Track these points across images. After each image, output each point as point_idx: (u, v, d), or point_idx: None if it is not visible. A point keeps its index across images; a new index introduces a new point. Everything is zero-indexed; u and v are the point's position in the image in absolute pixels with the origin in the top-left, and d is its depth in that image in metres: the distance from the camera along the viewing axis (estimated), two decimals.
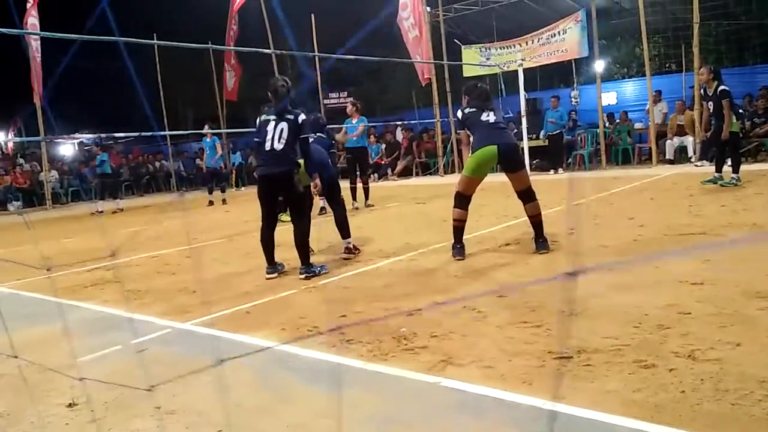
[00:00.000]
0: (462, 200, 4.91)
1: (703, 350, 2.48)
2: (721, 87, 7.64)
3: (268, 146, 4.52)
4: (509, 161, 4.73)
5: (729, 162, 7.87)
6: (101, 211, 12.63)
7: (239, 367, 2.77)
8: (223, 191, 12.90)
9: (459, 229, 4.89)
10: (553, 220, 6.33)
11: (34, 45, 14.43)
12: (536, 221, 4.79)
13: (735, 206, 6.09)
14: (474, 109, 4.91)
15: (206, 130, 12.36)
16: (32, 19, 14.40)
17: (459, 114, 5.02)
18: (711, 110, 7.85)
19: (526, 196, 4.78)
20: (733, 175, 7.72)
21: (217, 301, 4.10)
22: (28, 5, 14.33)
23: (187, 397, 2.48)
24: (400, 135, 17.23)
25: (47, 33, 13.84)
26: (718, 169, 7.95)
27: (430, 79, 14.89)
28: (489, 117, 4.83)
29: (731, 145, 7.90)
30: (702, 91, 8.29)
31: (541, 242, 4.78)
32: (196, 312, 3.86)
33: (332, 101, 19.94)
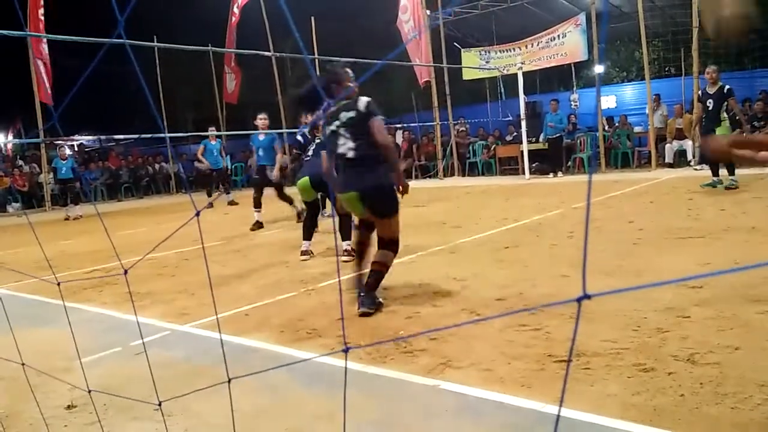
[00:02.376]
0: (362, 225, 3.99)
1: (702, 354, 2.48)
2: (727, 86, 7.67)
3: None
4: (374, 208, 3.70)
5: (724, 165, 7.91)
6: (69, 217, 12.51)
7: (237, 370, 2.76)
8: (227, 192, 12.90)
9: (361, 252, 3.94)
10: (553, 222, 6.34)
11: (44, 49, 14.46)
12: (377, 269, 3.66)
13: (734, 210, 6.10)
14: (332, 129, 3.71)
15: (210, 133, 12.47)
16: (39, 24, 14.40)
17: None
18: (710, 108, 7.82)
19: (385, 244, 3.74)
20: (731, 178, 7.74)
21: (216, 303, 4.10)
22: (35, 8, 14.26)
23: (185, 400, 2.47)
24: (399, 137, 17.25)
25: (48, 35, 13.89)
26: (715, 173, 7.97)
27: (428, 81, 14.92)
28: (346, 145, 3.62)
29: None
30: (700, 91, 8.31)
31: (366, 296, 3.56)
32: (195, 314, 3.85)
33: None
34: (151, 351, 3.16)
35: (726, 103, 7.74)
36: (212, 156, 12.24)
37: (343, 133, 3.65)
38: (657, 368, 2.38)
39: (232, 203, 12.51)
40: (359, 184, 3.61)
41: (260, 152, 8.10)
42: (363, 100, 3.64)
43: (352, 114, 3.64)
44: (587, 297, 0.72)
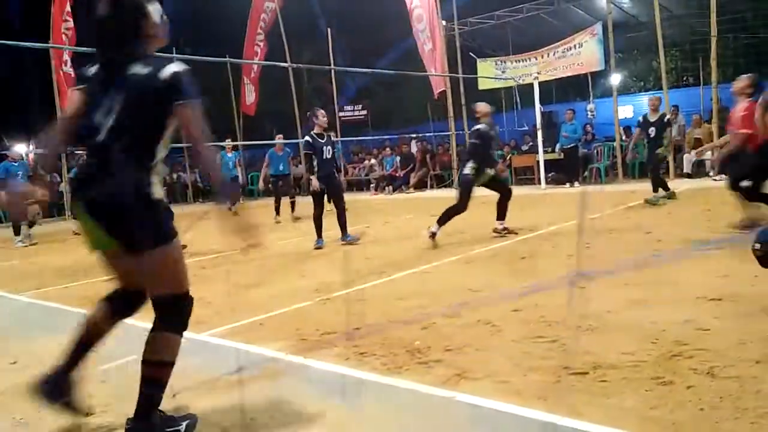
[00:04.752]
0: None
1: (722, 367, 2.44)
2: (667, 116, 8.58)
3: None
4: (119, 233, 2.23)
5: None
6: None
7: (252, 380, 2.78)
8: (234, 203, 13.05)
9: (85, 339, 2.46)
10: (569, 232, 6.30)
11: (67, 61, 14.71)
12: (152, 376, 2.27)
13: None
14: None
15: (227, 143, 12.79)
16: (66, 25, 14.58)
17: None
18: (652, 136, 8.37)
19: (160, 308, 2.49)
20: (655, 194, 8.26)
21: (231, 312, 4.12)
22: (58, 22, 14.46)
23: (200, 410, 2.49)
24: (414, 147, 17.27)
25: (65, 47, 14.12)
26: (655, 189, 8.39)
27: (444, 91, 14.93)
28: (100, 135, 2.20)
29: (653, 168, 8.47)
30: (641, 118, 8.78)
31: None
32: (211, 323, 3.88)
33: (347, 114, 20.07)
34: None
35: (667, 129, 8.39)
36: (226, 167, 12.46)
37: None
38: (676, 381, 2.35)
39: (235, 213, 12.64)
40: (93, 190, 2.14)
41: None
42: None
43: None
44: None
